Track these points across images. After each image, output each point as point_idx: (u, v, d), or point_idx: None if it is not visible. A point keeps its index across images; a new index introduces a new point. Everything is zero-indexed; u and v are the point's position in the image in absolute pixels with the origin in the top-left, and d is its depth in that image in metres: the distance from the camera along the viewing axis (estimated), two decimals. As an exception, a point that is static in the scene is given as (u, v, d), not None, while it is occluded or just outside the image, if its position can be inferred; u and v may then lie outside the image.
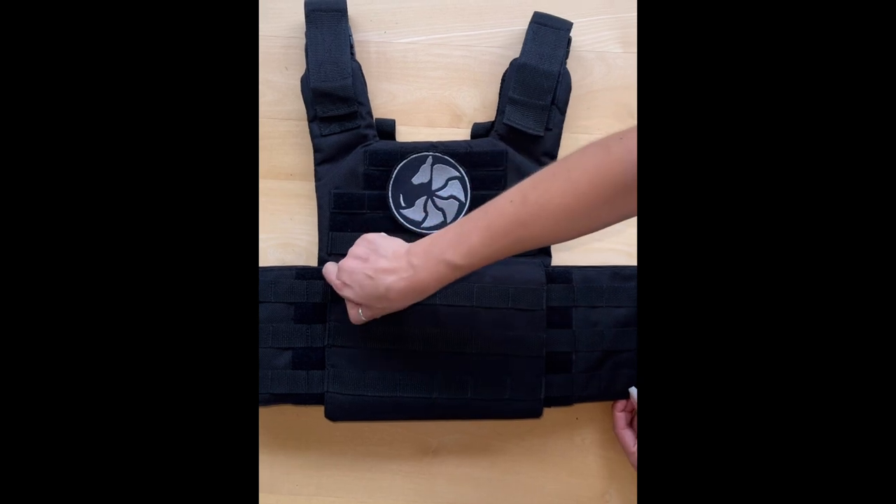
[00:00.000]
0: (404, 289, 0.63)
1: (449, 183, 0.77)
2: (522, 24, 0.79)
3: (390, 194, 0.76)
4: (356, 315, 0.69)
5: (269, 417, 0.80)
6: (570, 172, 0.55)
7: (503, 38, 0.81)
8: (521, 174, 0.76)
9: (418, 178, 0.77)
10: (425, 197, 0.77)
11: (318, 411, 0.76)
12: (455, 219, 0.76)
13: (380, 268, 0.64)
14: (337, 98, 0.75)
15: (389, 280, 0.63)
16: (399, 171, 0.76)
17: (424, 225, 0.77)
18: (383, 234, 0.69)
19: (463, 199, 0.77)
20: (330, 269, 0.70)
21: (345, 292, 0.68)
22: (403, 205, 0.76)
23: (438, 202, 0.77)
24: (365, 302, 0.66)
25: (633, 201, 0.53)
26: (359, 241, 0.68)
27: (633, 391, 0.75)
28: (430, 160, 0.77)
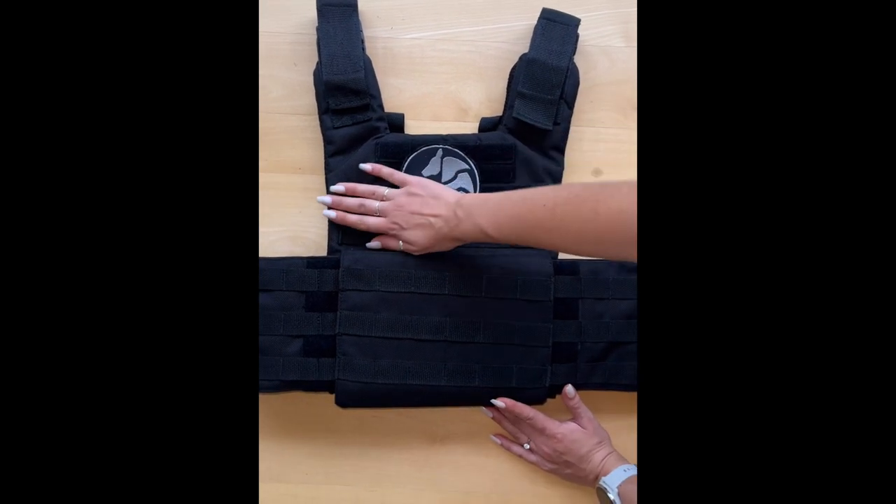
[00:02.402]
0: (445, 235, 0.71)
1: (458, 175, 0.78)
2: (526, 20, 0.81)
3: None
4: (395, 245, 0.76)
5: (279, 406, 0.81)
6: (592, 208, 0.57)
7: (508, 34, 0.82)
8: (530, 167, 0.78)
9: (428, 171, 0.78)
10: None
11: (327, 400, 0.78)
12: None
13: (430, 212, 0.72)
14: (349, 90, 0.76)
15: (436, 223, 0.71)
16: (409, 163, 0.78)
17: None
18: (434, 182, 0.75)
19: (472, 191, 0.78)
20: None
21: (387, 222, 0.75)
22: None
23: None
24: (405, 236, 0.74)
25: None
26: (414, 182, 0.75)
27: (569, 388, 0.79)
28: (440, 153, 0.78)
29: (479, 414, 0.81)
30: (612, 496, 0.72)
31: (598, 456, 0.76)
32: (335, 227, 0.78)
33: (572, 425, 0.78)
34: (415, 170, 0.78)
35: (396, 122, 0.80)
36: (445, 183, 0.78)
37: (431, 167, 0.78)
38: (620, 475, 0.73)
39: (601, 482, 0.74)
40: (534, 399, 0.77)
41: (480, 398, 0.76)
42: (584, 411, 0.78)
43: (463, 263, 0.76)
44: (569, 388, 0.78)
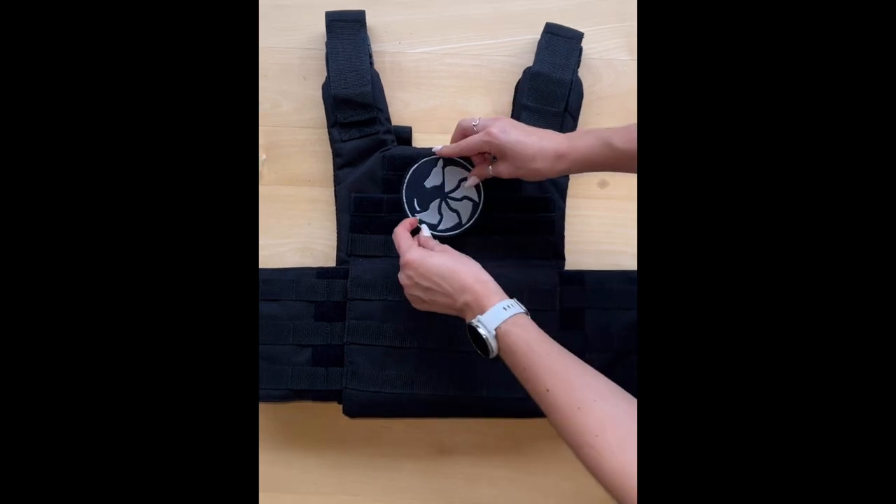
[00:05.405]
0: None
1: (462, 183, 0.79)
2: (531, 34, 0.82)
3: (404, 198, 0.78)
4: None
5: (289, 416, 0.81)
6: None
7: (513, 48, 0.83)
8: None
9: (431, 182, 0.79)
10: (439, 200, 0.79)
11: (336, 411, 0.78)
12: (470, 220, 0.78)
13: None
14: (357, 104, 0.78)
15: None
16: (411, 175, 0.78)
17: (441, 227, 0.78)
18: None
19: (476, 199, 0.78)
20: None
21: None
22: (418, 208, 0.78)
23: (452, 204, 0.79)
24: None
25: None
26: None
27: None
28: (440, 163, 0.79)
29: (486, 425, 0.81)
30: (484, 333, 0.61)
31: (465, 298, 0.64)
32: (345, 238, 0.79)
33: (451, 255, 0.68)
34: (417, 181, 0.79)
35: (404, 135, 0.81)
36: (449, 193, 0.79)
37: (433, 178, 0.79)
38: (499, 314, 0.62)
39: (475, 321, 0.62)
40: (541, 411, 0.76)
41: (487, 409, 0.76)
42: None
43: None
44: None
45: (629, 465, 0.49)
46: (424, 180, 0.79)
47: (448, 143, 0.78)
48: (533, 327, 0.61)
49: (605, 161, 0.66)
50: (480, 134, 0.70)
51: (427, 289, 0.67)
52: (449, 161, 0.78)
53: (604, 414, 0.53)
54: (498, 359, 0.62)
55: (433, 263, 0.66)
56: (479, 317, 0.62)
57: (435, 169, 0.79)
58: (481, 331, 0.61)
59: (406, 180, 0.78)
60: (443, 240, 0.76)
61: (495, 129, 0.68)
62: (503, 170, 0.70)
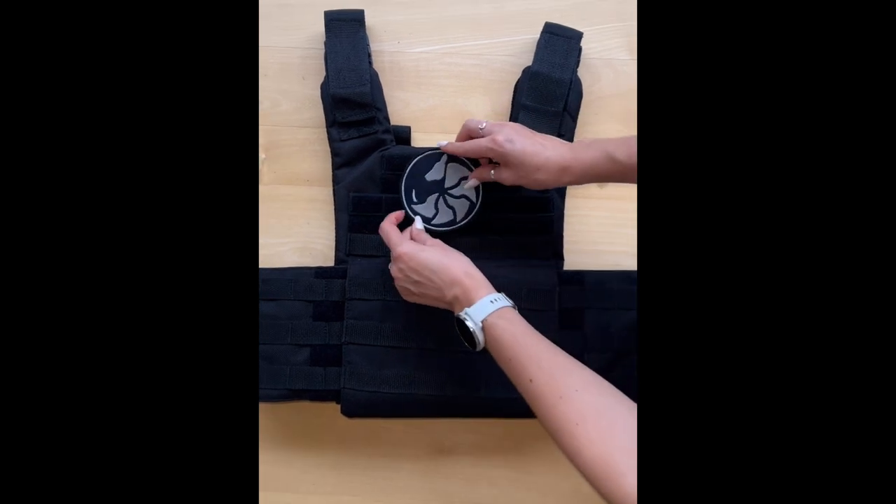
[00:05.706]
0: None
1: (462, 182, 0.79)
2: (531, 34, 0.82)
3: (403, 188, 0.78)
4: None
5: (288, 416, 0.81)
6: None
7: (513, 48, 0.83)
8: None
9: (432, 175, 0.78)
10: (437, 194, 0.78)
11: (335, 411, 0.78)
12: (465, 218, 0.78)
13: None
14: (355, 104, 0.78)
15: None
16: (413, 166, 0.78)
17: (435, 221, 0.78)
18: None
19: (474, 199, 0.78)
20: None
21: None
22: (415, 200, 0.78)
23: (450, 200, 0.78)
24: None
25: None
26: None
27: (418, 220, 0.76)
28: (444, 158, 0.78)
29: (485, 425, 0.81)
30: (471, 326, 0.62)
31: (454, 291, 0.66)
32: (344, 237, 0.79)
33: (442, 249, 0.69)
34: (419, 173, 0.78)
35: (403, 135, 0.81)
36: (448, 189, 0.78)
37: (435, 172, 0.78)
38: (486, 307, 0.63)
39: (463, 313, 0.64)
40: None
41: (487, 409, 0.76)
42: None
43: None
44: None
45: (608, 455, 0.50)
46: (426, 173, 0.78)
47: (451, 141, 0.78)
48: (519, 320, 0.62)
49: (608, 174, 0.67)
50: (486, 140, 0.70)
51: (417, 282, 0.68)
52: (453, 157, 0.78)
53: (585, 404, 0.54)
54: (485, 351, 0.63)
55: (424, 257, 0.67)
56: (466, 309, 0.63)
57: (438, 163, 0.78)
58: (468, 323, 0.62)
59: (407, 171, 0.78)
60: (435, 234, 0.76)
61: (500, 138, 0.68)
62: (506, 177, 0.70)
